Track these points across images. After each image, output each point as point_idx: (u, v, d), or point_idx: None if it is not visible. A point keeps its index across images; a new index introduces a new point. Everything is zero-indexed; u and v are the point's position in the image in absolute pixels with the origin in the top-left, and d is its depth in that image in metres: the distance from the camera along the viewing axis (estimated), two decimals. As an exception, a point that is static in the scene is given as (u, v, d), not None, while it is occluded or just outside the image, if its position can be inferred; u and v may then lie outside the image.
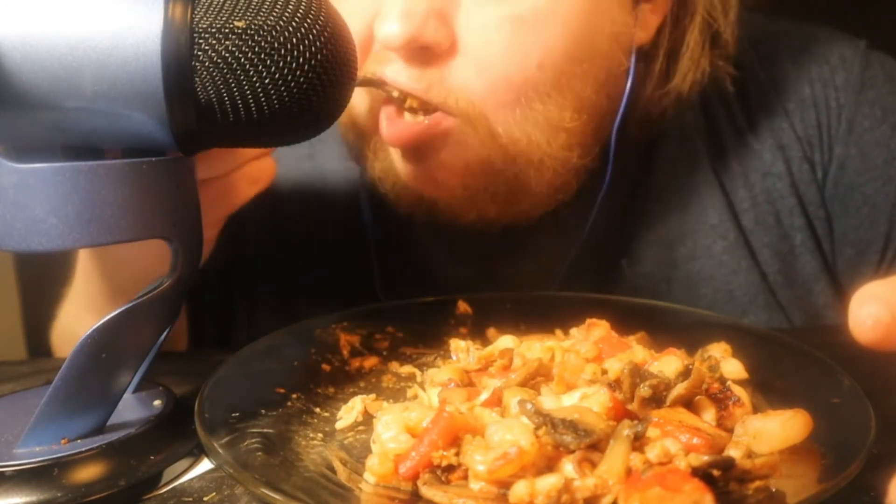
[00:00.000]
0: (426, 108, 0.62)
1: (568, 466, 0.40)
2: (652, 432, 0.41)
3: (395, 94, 0.61)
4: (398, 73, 0.61)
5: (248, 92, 0.43)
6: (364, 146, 0.69)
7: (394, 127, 0.62)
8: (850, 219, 0.76)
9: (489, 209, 0.68)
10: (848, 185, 0.75)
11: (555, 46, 0.61)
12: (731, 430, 0.45)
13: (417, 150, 0.64)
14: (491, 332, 0.64)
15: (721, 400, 0.47)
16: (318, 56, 0.44)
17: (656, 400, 0.45)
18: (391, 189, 0.69)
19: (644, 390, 0.45)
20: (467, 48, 0.60)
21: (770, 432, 0.43)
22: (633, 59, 0.67)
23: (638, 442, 0.40)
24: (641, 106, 0.71)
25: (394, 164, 0.67)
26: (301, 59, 0.43)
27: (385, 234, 0.80)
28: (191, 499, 0.45)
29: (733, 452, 0.40)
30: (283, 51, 0.43)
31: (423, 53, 0.60)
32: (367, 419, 0.52)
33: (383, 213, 0.78)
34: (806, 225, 0.76)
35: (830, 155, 0.75)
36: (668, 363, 0.49)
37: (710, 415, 0.46)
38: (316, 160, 0.83)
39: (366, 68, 0.62)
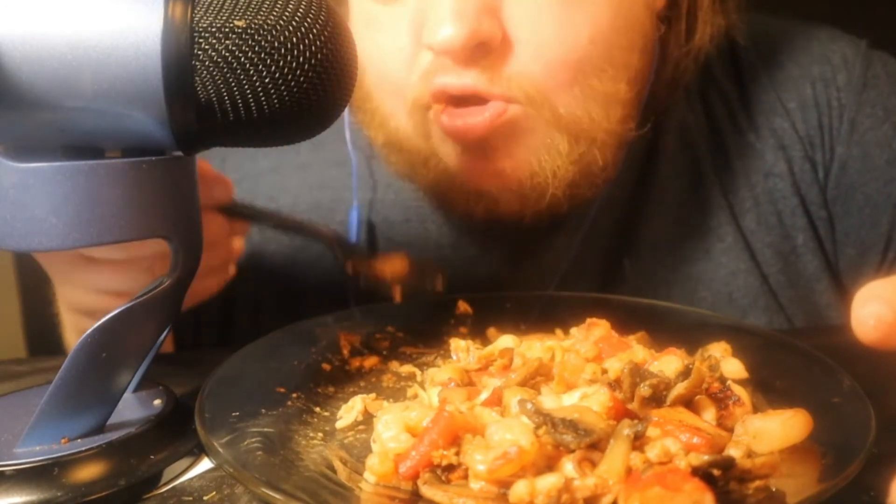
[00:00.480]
0: (486, 100, 0.61)
1: (568, 466, 0.39)
2: (652, 432, 0.41)
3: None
4: (459, 77, 0.60)
5: (249, 91, 0.43)
6: (414, 161, 0.69)
7: (461, 120, 0.62)
8: (852, 219, 0.76)
9: (552, 200, 0.67)
10: (849, 186, 0.75)
11: (602, 20, 0.62)
12: (731, 430, 0.45)
13: (484, 143, 0.63)
14: (491, 331, 0.64)
15: (721, 400, 0.47)
16: (319, 55, 0.44)
17: (656, 399, 0.45)
18: (446, 193, 0.69)
19: (644, 390, 0.45)
20: (519, 37, 0.60)
21: (770, 432, 0.43)
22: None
23: (638, 441, 0.40)
24: (670, 67, 0.71)
25: (449, 168, 0.66)
26: (301, 59, 0.43)
27: (372, 247, 0.80)
28: (191, 498, 0.45)
29: (733, 452, 0.40)
30: (283, 50, 0.43)
31: (479, 50, 0.59)
32: (368, 418, 0.52)
33: (377, 224, 0.79)
34: (808, 225, 0.76)
35: (832, 155, 0.75)
36: (668, 363, 0.49)
37: (710, 414, 0.46)
38: (313, 168, 0.83)
39: (419, 87, 0.62)
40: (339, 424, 0.51)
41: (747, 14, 0.79)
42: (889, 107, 0.75)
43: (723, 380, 0.48)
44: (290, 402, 0.53)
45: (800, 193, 0.76)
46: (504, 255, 0.78)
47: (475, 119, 0.61)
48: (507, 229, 0.73)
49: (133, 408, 0.51)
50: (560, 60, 0.61)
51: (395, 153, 0.70)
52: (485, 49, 0.59)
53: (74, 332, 0.72)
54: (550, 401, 0.45)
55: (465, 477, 0.41)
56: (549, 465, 0.40)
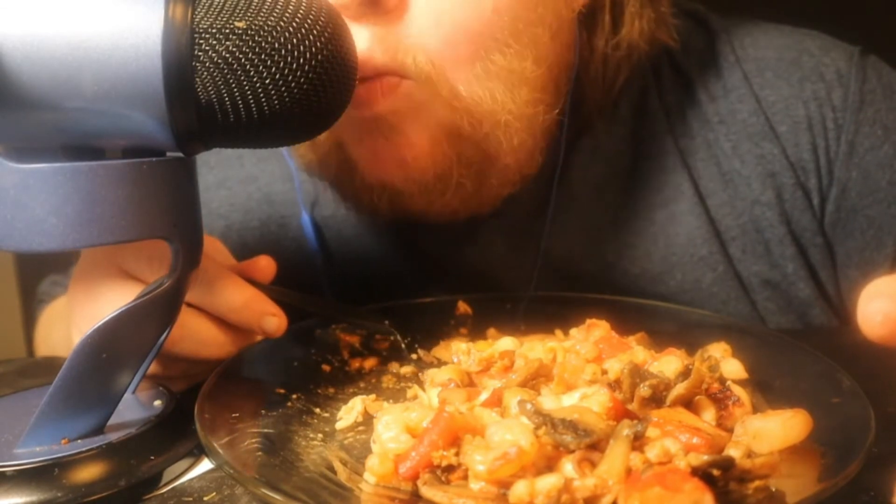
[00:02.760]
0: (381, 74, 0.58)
1: (568, 466, 0.40)
2: (652, 432, 0.41)
3: None
4: (357, 43, 0.55)
5: (249, 92, 0.43)
6: (320, 153, 0.65)
7: (363, 87, 0.57)
8: (854, 242, 0.73)
9: (459, 191, 0.64)
10: (851, 209, 0.73)
11: None
12: (731, 430, 0.45)
13: (382, 121, 0.59)
14: (491, 332, 0.64)
15: (721, 400, 0.47)
16: (319, 56, 0.44)
17: (656, 400, 0.45)
18: (350, 188, 0.66)
19: (644, 390, 0.45)
20: (420, 1, 0.57)
21: (770, 432, 0.43)
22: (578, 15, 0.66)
23: (638, 442, 0.40)
24: (597, 58, 0.69)
25: (350, 159, 0.63)
26: (301, 60, 0.43)
27: (330, 252, 0.79)
28: (191, 499, 0.45)
29: (733, 452, 0.40)
30: (283, 51, 0.43)
31: (371, 6, 0.55)
32: (367, 419, 0.52)
33: (327, 231, 0.77)
34: (798, 254, 0.74)
35: (830, 179, 0.73)
36: (668, 363, 0.49)
37: (710, 415, 0.46)
38: (259, 182, 0.81)
39: None
40: (339, 425, 0.51)
41: (731, 20, 0.77)
42: (888, 125, 0.72)
43: (722, 380, 0.48)
44: (289, 403, 0.53)
45: (789, 222, 0.73)
46: (448, 263, 0.76)
47: (372, 89, 0.57)
48: (445, 232, 0.71)
49: (133, 408, 0.51)
50: (462, 29, 0.57)
51: (304, 147, 0.66)
52: (378, 7, 0.55)
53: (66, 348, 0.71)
54: (550, 401, 0.45)
55: (465, 477, 0.41)
56: (549, 465, 0.40)
